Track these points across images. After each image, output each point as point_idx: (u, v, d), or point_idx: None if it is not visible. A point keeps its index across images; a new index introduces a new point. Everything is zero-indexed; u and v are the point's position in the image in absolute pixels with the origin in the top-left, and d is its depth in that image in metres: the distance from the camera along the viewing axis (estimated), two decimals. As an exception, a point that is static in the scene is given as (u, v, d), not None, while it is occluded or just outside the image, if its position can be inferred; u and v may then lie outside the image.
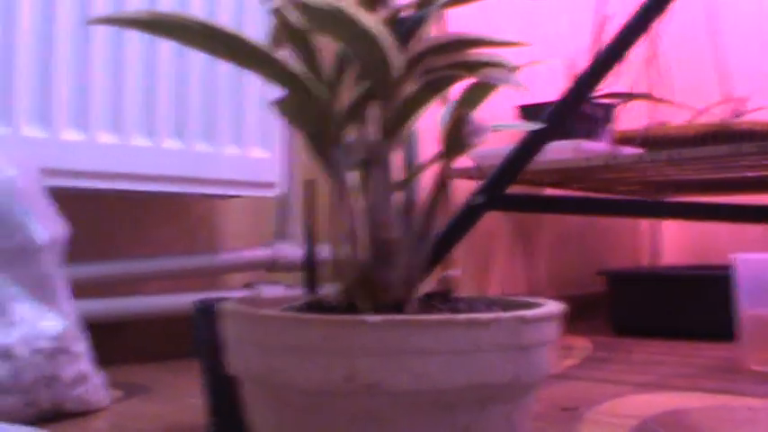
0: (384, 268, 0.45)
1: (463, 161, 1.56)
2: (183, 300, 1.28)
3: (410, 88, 0.44)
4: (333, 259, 0.47)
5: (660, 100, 1.62)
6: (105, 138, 1.12)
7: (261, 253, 1.34)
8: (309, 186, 1.33)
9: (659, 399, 1.02)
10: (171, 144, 1.19)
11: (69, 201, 1.07)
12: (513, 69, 0.45)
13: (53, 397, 0.88)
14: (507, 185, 1.02)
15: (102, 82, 1.11)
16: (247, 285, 1.38)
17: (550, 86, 1.83)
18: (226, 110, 1.24)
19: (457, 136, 0.46)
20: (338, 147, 0.45)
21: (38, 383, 0.86)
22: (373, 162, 0.45)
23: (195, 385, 0.83)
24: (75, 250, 1.03)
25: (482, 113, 0.48)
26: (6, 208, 0.89)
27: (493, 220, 1.82)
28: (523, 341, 0.41)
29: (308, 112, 0.44)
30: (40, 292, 0.90)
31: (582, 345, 1.55)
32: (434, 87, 0.45)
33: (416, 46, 0.43)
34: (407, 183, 0.49)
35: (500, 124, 0.49)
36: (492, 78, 0.42)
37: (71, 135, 1.09)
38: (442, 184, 0.49)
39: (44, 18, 1.07)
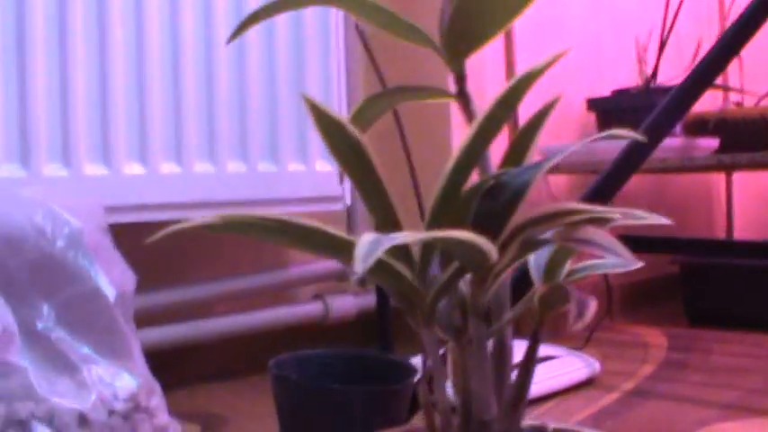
0: (480, 450, 0.42)
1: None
2: (255, 317, 1.27)
3: (506, 260, 0.41)
4: (429, 429, 0.45)
5: (744, 91, 1.54)
6: (167, 168, 1.10)
7: (331, 265, 1.32)
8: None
9: (747, 431, 0.99)
10: (233, 167, 1.16)
11: (134, 230, 1.06)
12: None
13: (132, 455, 0.88)
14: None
15: (160, 111, 1.09)
16: (317, 296, 1.37)
17: (619, 71, 1.76)
18: (287, 126, 1.21)
19: (550, 300, 0.43)
20: (430, 328, 0.42)
21: (116, 446, 0.86)
22: (466, 339, 0.42)
23: (270, 413, 0.82)
24: (144, 278, 1.03)
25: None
26: (74, 263, 0.88)
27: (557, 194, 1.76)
28: None
29: (400, 292, 0.41)
30: (112, 349, 0.89)
31: (656, 341, 1.51)
32: (529, 249, 0.42)
33: (516, 219, 0.40)
34: (498, 330, 0.46)
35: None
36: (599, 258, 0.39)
37: (132, 169, 1.07)
38: (535, 337, 0.46)
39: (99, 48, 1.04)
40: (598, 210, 0.40)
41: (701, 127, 1.49)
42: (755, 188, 2.19)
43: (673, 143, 1.40)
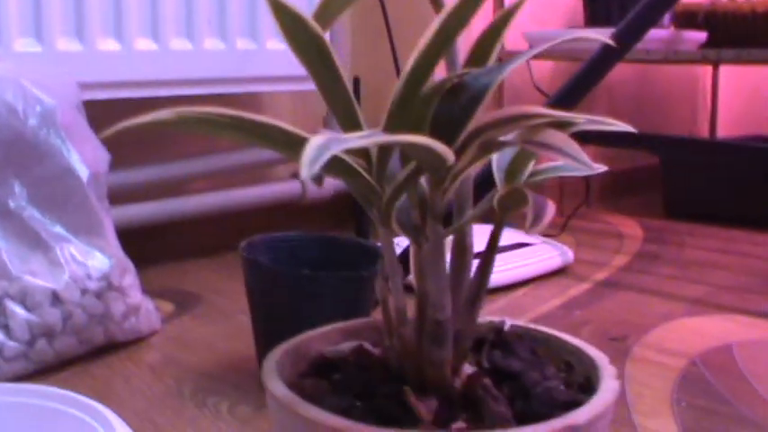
0: (434, 348, 0.43)
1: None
2: (231, 196, 1.27)
3: (463, 162, 0.41)
4: (386, 324, 0.45)
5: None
6: (143, 44, 1.08)
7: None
8: (356, 83, 1.29)
9: (711, 326, 1.01)
10: (211, 44, 1.14)
11: (113, 107, 1.05)
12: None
13: (105, 332, 0.89)
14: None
15: (137, -15, 1.06)
16: (294, 176, 1.37)
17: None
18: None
19: (508, 202, 0.42)
20: (387, 226, 0.42)
21: (90, 323, 0.87)
22: (424, 238, 0.42)
23: (244, 291, 0.83)
24: (120, 156, 1.02)
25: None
26: (46, 141, 0.87)
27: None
28: (576, 448, 0.40)
29: (358, 189, 0.41)
30: (85, 228, 0.89)
31: (632, 232, 1.52)
32: (487, 151, 0.42)
33: (478, 121, 0.39)
34: (458, 230, 0.46)
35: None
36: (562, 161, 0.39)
37: (107, 45, 1.05)
38: (493, 241, 0.46)
39: None
40: (559, 114, 0.40)
41: (689, 19, 1.47)
42: (742, 83, 2.17)
43: (660, 34, 1.38)
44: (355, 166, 0.40)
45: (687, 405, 0.79)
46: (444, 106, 0.39)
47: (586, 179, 1.46)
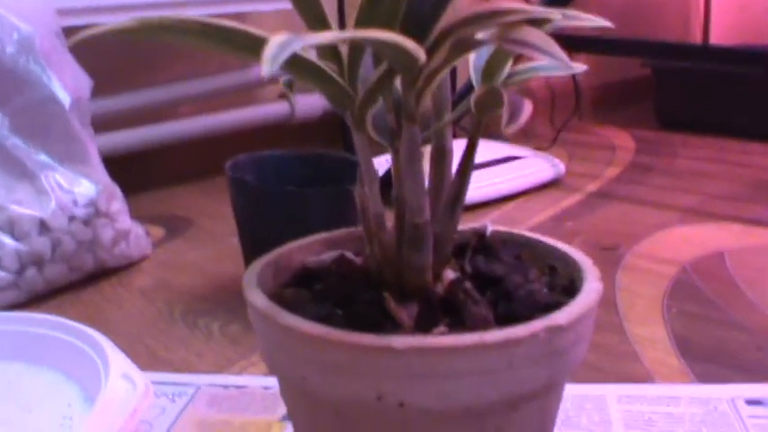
0: (413, 253, 0.42)
1: None
2: (219, 119, 1.26)
3: (436, 62, 0.40)
4: (365, 232, 0.45)
5: None
6: (120, -34, 1.06)
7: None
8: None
9: (703, 235, 1.01)
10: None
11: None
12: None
13: (95, 259, 0.89)
14: None
15: None
16: (282, 96, 1.36)
17: None
18: None
19: (485, 103, 0.41)
20: (361, 131, 0.41)
21: (79, 250, 0.87)
22: (399, 140, 0.41)
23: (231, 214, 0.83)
24: (106, 83, 1.01)
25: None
26: (26, 69, 0.86)
27: None
28: (559, 347, 0.40)
29: (331, 94, 0.40)
30: (70, 155, 0.89)
31: (624, 144, 1.51)
32: (461, 50, 0.40)
33: (448, 19, 0.38)
34: (436, 134, 0.46)
35: None
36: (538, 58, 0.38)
37: (84, -33, 1.03)
38: (472, 143, 0.45)
39: None
40: (535, 9, 0.38)
41: None
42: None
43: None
44: (326, 68, 0.39)
45: (678, 312, 0.79)
46: (415, 1, 0.37)
47: (576, 91, 1.44)
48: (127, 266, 0.94)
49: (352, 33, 0.33)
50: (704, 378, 0.67)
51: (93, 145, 0.91)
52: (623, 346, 0.72)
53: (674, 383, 0.66)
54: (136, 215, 0.96)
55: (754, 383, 0.65)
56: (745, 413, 0.60)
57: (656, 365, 0.69)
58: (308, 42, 0.31)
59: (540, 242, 0.52)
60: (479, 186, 1.11)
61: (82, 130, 0.90)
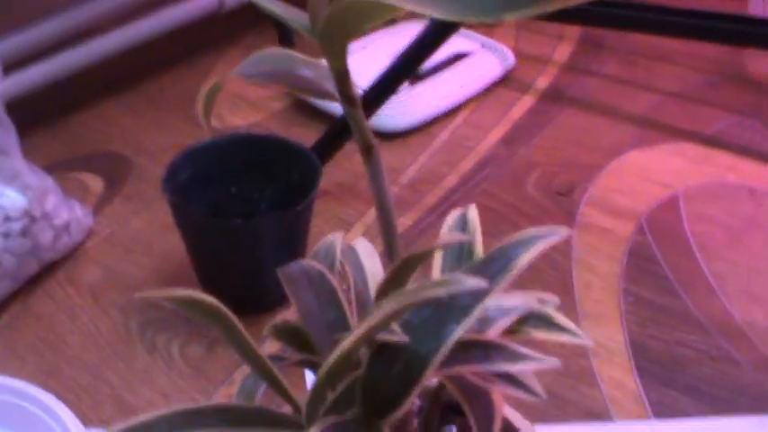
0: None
1: None
2: (146, 24, 1.17)
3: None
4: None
5: None
6: None
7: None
8: None
9: (659, 167, 0.99)
10: None
11: None
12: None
13: (39, 261, 0.86)
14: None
15: None
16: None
17: None
18: None
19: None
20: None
21: (21, 261, 0.84)
22: None
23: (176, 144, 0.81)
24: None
25: None
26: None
27: None
28: None
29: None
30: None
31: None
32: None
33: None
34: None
35: None
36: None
37: None
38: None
39: None
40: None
41: None
42: None
43: None
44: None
45: (635, 300, 0.80)
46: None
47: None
48: (73, 252, 0.91)
49: None
50: (660, 408, 0.69)
51: (16, 145, 0.85)
52: (582, 360, 0.74)
53: (631, 421, 0.68)
54: (71, 160, 0.91)
55: (704, 419, 0.68)
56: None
57: (614, 390, 0.71)
58: None
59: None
60: (428, 105, 1.08)
61: (1, 131, 0.83)
